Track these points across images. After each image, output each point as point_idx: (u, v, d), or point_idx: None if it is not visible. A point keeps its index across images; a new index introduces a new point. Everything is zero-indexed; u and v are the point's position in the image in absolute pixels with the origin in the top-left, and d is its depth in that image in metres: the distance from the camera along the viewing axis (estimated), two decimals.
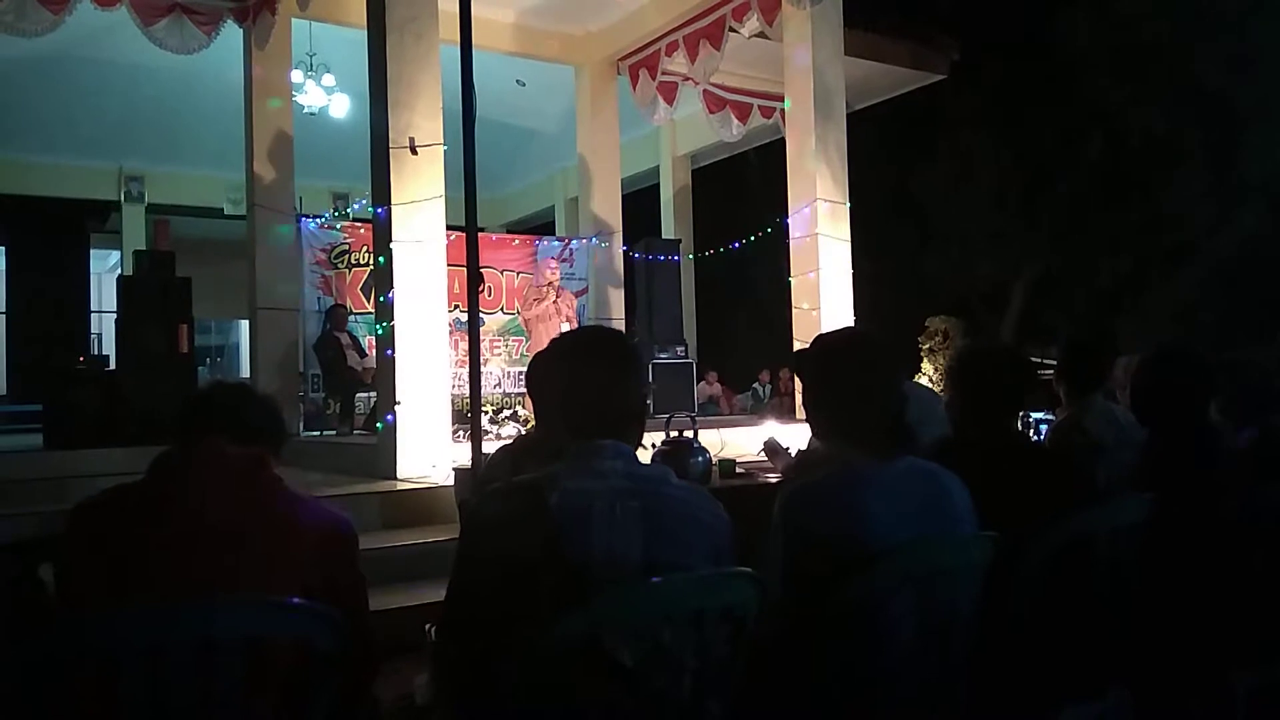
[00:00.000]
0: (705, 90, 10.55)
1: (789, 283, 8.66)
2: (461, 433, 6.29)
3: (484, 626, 1.63)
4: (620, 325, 10.43)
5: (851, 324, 8.27)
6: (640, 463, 1.73)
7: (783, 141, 9.00)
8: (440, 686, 1.80)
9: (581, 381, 1.76)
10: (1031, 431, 6.35)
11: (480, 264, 4.73)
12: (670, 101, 10.39)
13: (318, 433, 8.61)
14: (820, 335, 2.13)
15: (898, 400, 1.98)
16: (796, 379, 9.05)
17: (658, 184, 13.22)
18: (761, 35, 8.88)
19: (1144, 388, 2.82)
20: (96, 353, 11.88)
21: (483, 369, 5.92)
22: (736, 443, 6.06)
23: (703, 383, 11.51)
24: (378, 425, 6.46)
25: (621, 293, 10.59)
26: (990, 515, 1.94)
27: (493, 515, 1.70)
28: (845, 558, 1.76)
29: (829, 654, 1.76)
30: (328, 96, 10.40)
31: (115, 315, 8.24)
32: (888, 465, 1.90)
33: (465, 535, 1.74)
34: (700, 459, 4.13)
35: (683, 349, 9.82)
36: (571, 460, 1.69)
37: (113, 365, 8.29)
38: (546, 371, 1.81)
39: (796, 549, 1.84)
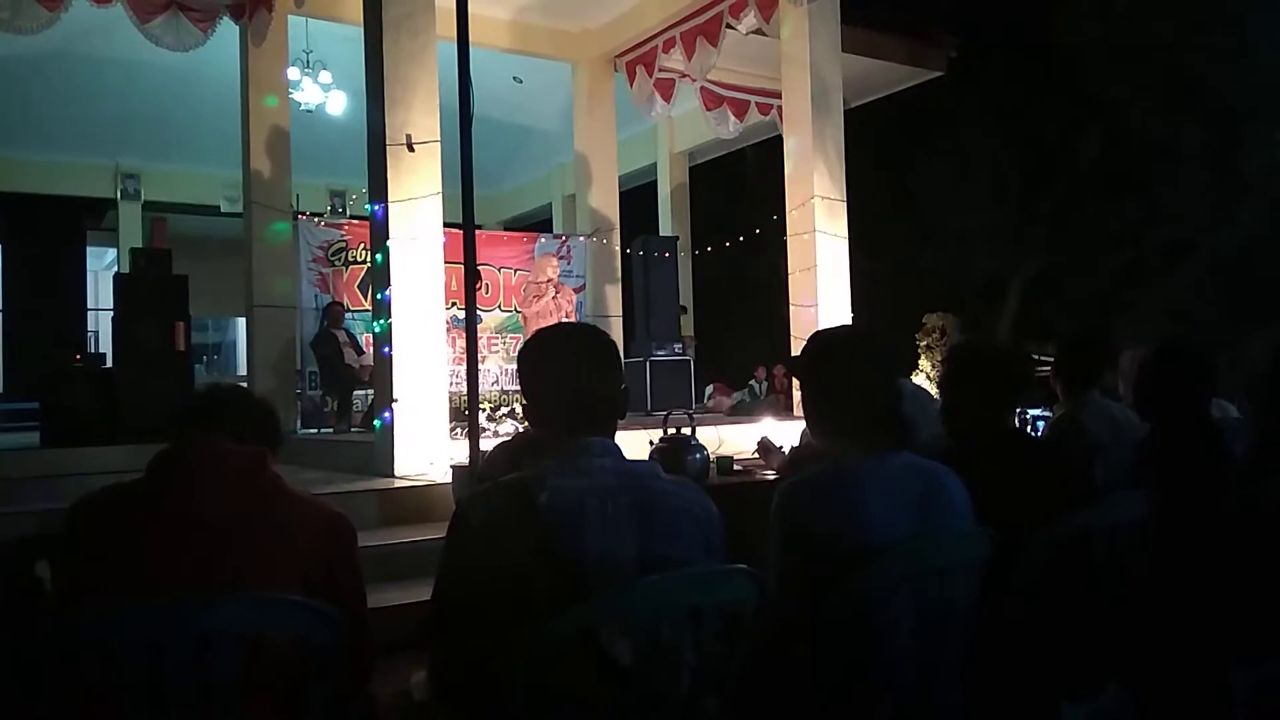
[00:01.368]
0: (703, 87, 10.55)
1: (786, 279, 8.66)
2: (459, 430, 6.28)
3: (477, 627, 1.63)
4: (618, 322, 10.44)
5: (848, 321, 8.28)
6: (627, 459, 1.72)
7: (780, 138, 9.00)
8: (435, 686, 1.79)
9: (558, 377, 1.74)
10: (1029, 428, 6.35)
11: (478, 261, 4.73)
12: (668, 98, 10.38)
13: (315, 430, 8.60)
14: (816, 333, 2.13)
15: (894, 396, 1.98)
16: (794, 378, 9.04)
17: (655, 181, 13.22)
18: (759, 32, 8.88)
19: (1145, 384, 2.82)
20: (93, 350, 11.91)
21: (480, 366, 5.91)
22: (734, 440, 6.05)
23: (718, 395, 11.46)
24: (375, 423, 6.45)
25: (619, 290, 10.59)
26: (987, 512, 1.94)
27: (482, 517, 1.68)
28: (842, 553, 1.76)
29: (827, 651, 1.76)
30: (324, 93, 10.39)
31: (112, 313, 8.24)
32: (884, 460, 1.90)
33: (454, 538, 1.71)
34: (698, 456, 4.14)
35: (680, 346, 9.81)
36: (559, 458, 1.68)
37: (109, 363, 8.30)
38: (532, 367, 1.80)
39: (794, 545, 1.84)
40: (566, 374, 1.74)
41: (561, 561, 1.58)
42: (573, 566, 1.58)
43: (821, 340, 2.10)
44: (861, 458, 1.90)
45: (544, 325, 8.65)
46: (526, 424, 2.05)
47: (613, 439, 1.73)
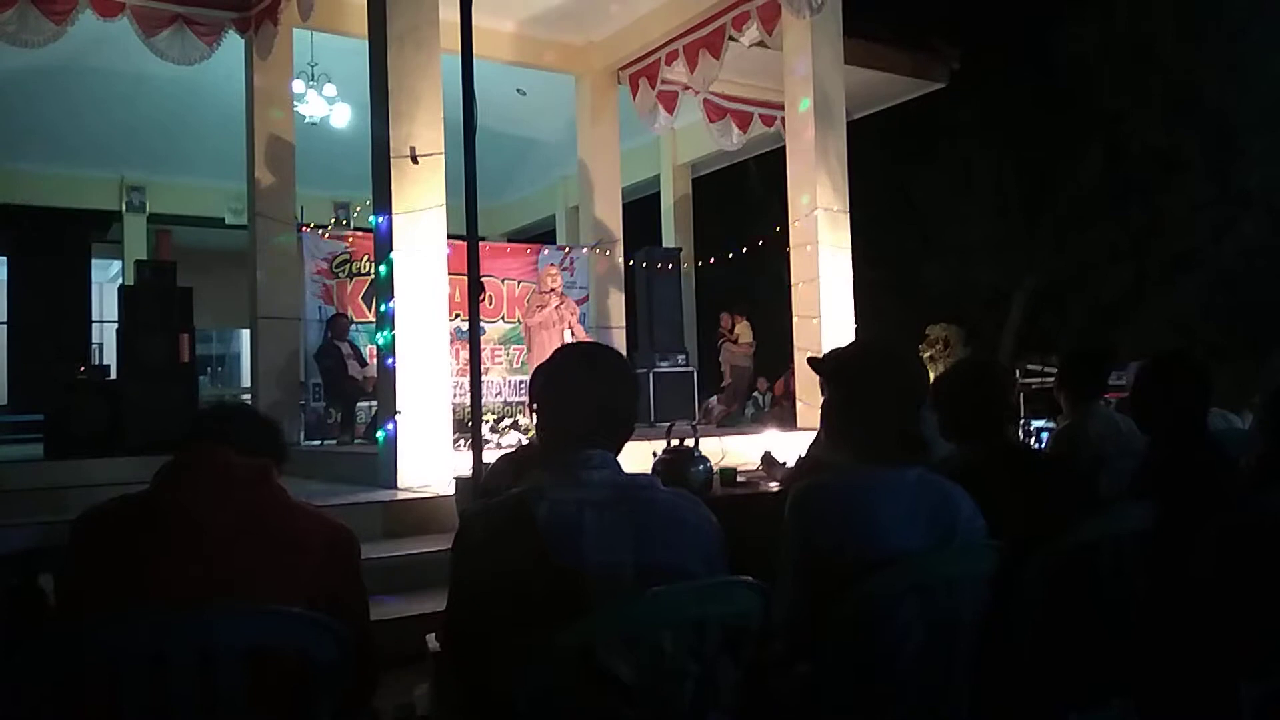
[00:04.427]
0: (705, 99, 10.57)
1: (790, 291, 8.66)
2: (462, 442, 6.28)
3: (483, 640, 1.63)
4: (621, 334, 10.44)
5: (851, 333, 8.26)
6: (624, 471, 1.74)
7: (783, 150, 9.00)
8: (443, 699, 1.79)
9: (572, 390, 1.77)
10: (1033, 440, 6.35)
11: (481, 273, 4.73)
12: (670, 110, 10.41)
13: (319, 442, 8.60)
14: (855, 341, 2.15)
15: (917, 413, 2.00)
16: (797, 385, 9.03)
17: (658, 193, 13.23)
18: (761, 44, 8.90)
19: (1144, 396, 2.81)
20: (98, 362, 11.92)
21: (484, 378, 5.91)
22: (738, 451, 6.04)
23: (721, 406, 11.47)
24: (379, 434, 6.46)
25: (622, 301, 10.60)
26: (993, 524, 1.95)
27: (481, 532, 1.70)
28: (851, 562, 1.77)
29: (834, 659, 1.76)
30: (329, 106, 10.41)
31: (116, 325, 8.25)
32: (898, 473, 1.91)
33: (456, 554, 1.73)
34: (701, 467, 4.12)
35: (683, 357, 9.81)
36: (557, 470, 1.70)
37: (114, 375, 8.29)
38: (551, 383, 1.82)
39: (804, 548, 1.86)
40: (579, 388, 1.76)
41: (561, 572, 1.59)
42: (572, 577, 1.59)
43: (860, 350, 2.12)
44: (875, 469, 1.91)
45: (546, 335, 8.69)
46: (532, 435, 2.06)
47: (617, 453, 1.74)
